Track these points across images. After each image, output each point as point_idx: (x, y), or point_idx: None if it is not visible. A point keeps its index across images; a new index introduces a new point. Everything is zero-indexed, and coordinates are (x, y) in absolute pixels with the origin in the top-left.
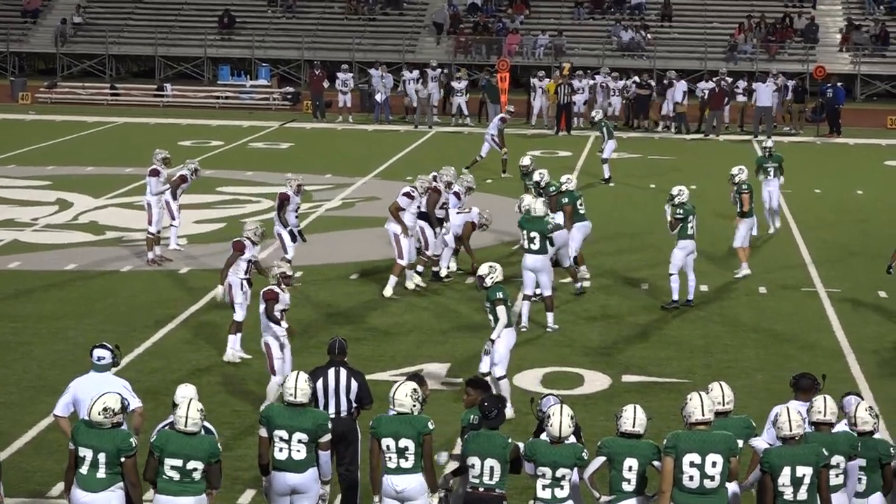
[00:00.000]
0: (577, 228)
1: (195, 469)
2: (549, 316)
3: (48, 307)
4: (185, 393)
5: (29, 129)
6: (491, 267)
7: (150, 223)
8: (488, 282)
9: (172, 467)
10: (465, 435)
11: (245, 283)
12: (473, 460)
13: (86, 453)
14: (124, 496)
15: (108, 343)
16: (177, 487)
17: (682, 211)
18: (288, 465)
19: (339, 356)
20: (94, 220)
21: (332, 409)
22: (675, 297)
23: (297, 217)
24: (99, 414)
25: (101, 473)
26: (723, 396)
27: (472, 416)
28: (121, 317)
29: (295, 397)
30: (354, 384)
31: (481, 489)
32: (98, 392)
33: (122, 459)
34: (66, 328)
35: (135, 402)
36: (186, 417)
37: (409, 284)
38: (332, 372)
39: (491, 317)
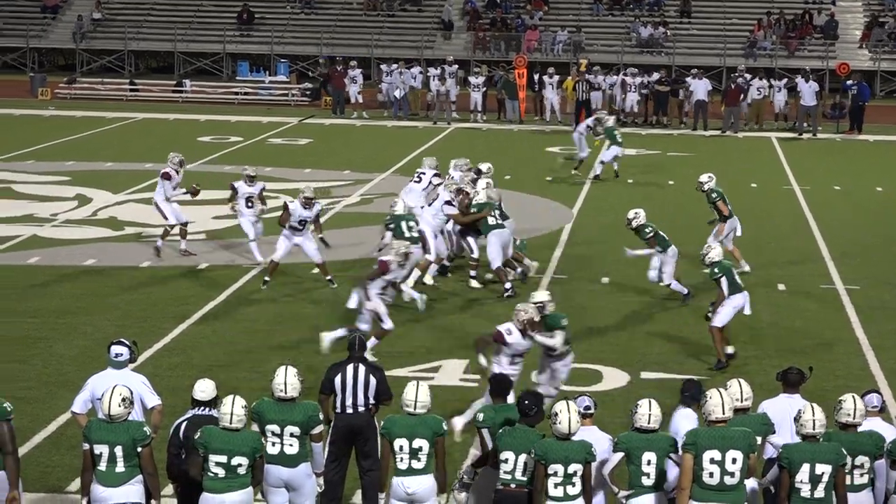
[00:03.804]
0: (493, 234)
1: (240, 465)
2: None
3: (67, 302)
4: (205, 388)
5: (48, 124)
6: (550, 294)
7: (165, 218)
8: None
9: (217, 464)
10: (500, 430)
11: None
12: (507, 455)
13: (102, 449)
14: (143, 488)
15: (126, 339)
16: (222, 484)
17: (649, 230)
18: (280, 459)
19: (359, 352)
20: (114, 216)
21: (349, 404)
22: (684, 290)
23: (301, 227)
24: (119, 406)
25: (121, 467)
26: (741, 393)
27: (491, 413)
28: (139, 312)
29: (285, 393)
30: (373, 380)
31: (513, 486)
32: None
33: (139, 450)
34: (85, 324)
35: (154, 400)
36: (231, 414)
37: (427, 279)
38: (350, 367)
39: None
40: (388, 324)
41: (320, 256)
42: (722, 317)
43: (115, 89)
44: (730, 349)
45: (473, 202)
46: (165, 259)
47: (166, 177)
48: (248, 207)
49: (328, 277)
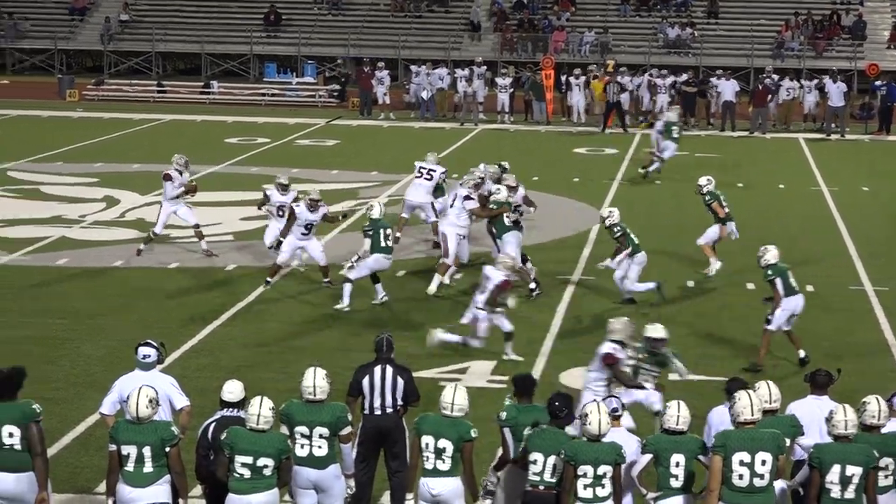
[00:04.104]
0: (510, 235)
1: (266, 466)
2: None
3: (95, 303)
4: (233, 389)
5: (76, 126)
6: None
7: (155, 223)
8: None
9: (243, 464)
10: (528, 431)
11: None
12: (536, 456)
13: (129, 450)
14: (171, 488)
15: (154, 340)
16: (247, 485)
17: (618, 228)
18: (309, 461)
19: (387, 353)
20: (141, 217)
21: (377, 406)
22: (651, 285)
23: (308, 231)
24: (146, 407)
25: (149, 467)
26: (770, 395)
27: (514, 413)
28: (167, 313)
29: (314, 395)
30: (401, 381)
31: (542, 487)
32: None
33: (167, 449)
34: (113, 325)
35: (182, 401)
36: (259, 416)
37: (446, 279)
38: (378, 369)
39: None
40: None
41: (325, 259)
42: (776, 321)
43: (143, 91)
44: (801, 353)
45: (492, 199)
46: (192, 261)
47: (167, 178)
48: (279, 216)
49: (326, 279)
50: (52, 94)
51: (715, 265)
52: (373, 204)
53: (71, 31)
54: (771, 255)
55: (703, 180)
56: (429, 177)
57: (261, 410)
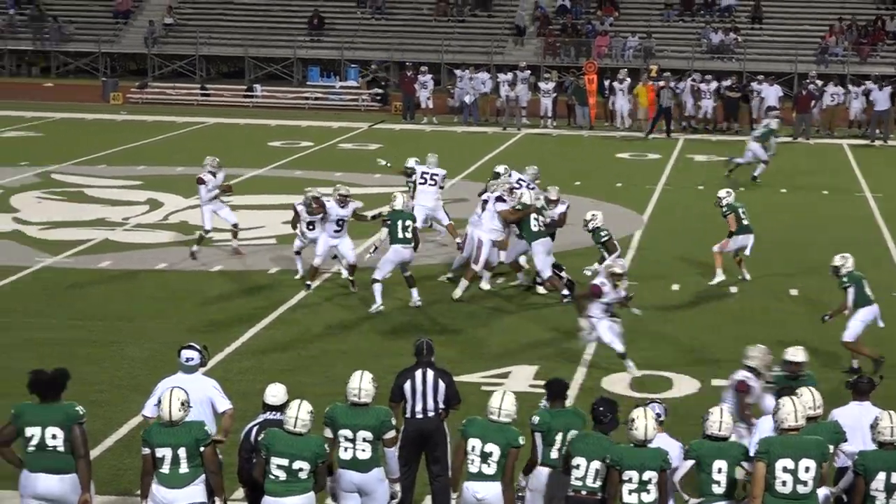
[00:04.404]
0: (538, 244)
1: (301, 469)
2: (414, 292)
3: (138, 306)
4: (276, 392)
5: (120, 129)
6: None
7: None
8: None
9: (279, 466)
10: (572, 436)
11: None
12: (579, 461)
13: (164, 452)
14: (206, 488)
15: (197, 343)
16: (283, 487)
17: (605, 233)
18: (352, 464)
19: (427, 356)
20: (184, 220)
21: (419, 409)
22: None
23: (340, 227)
24: (179, 410)
25: (184, 468)
26: (813, 401)
27: (546, 417)
28: (210, 316)
29: (359, 398)
30: (442, 384)
31: (584, 492)
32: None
33: (202, 449)
34: (156, 327)
35: (225, 404)
36: (296, 419)
37: (485, 285)
38: (419, 373)
39: None
40: (617, 347)
41: (354, 258)
42: (851, 331)
43: (186, 94)
44: (855, 363)
45: (517, 203)
46: (235, 265)
47: (200, 182)
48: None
49: (351, 278)
50: (96, 97)
51: (719, 277)
52: (396, 194)
53: (115, 35)
54: (850, 262)
55: (722, 192)
56: (433, 182)
57: (298, 413)
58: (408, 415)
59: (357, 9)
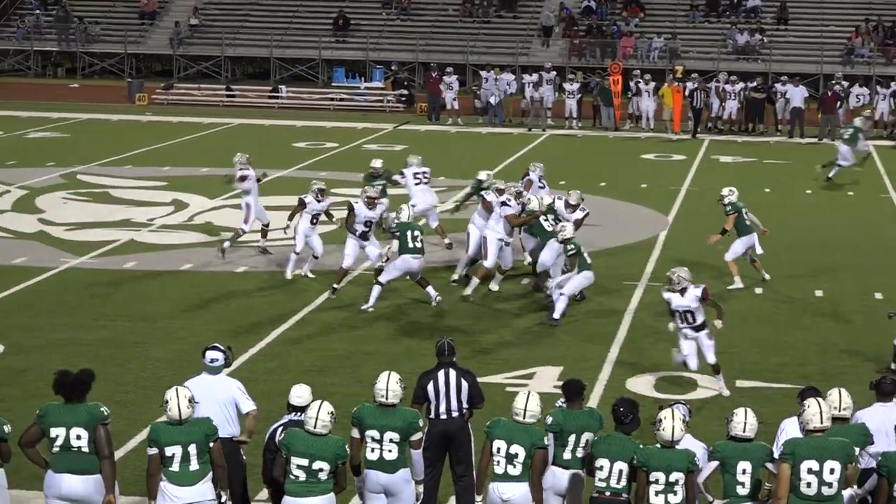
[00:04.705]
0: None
1: (321, 469)
2: (430, 290)
3: (163, 307)
4: (301, 393)
5: (146, 129)
6: None
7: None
8: None
9: (298, 466)
10: (598, 439)
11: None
12: (602, 462)
13: (174, 451)
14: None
15: (221, 344)
16: (303, 488)
17: (572, 246)
18: (379, 464)
19: (448, 357)
20: (209, 221)
21: (443, 410)
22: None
23: (368, 228)
24: (187, 407)
25: (195, 465)
26: (840, 402)
27: (560, 418)
28: (235, 317)
29: (387, 398)
30: (465, 384)
31: (608, 493)
32: (204, 394)
33: (210, 444)
34: (181, 328)
35: (249, 405)
36: (316, 419)
37: (494, 286)
38: (441, 373)
39: None
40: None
41: (381, 260)
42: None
43: (212, 95)
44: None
45: (527, 209)
46: (261, 265)
47: (243, 179)
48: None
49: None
50: (121, 98)
51: (737, 283)
52: (402, 207)
53: (141, 36)
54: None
55: (725, 190)
56: (426, 180)
57: (319, 414)
58: (432, 416)
59: (382, 10)
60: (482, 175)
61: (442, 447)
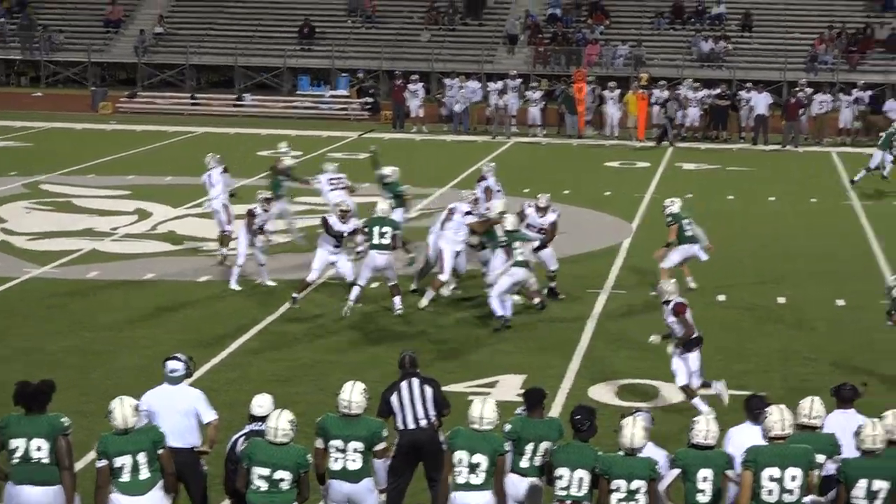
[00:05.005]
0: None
1: (283, 479)
2: (396, 300)
3: (125, 316)
4: (262, 402)
5: (109, 138)
6: None
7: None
8: None
9: (260, 476)
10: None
11: None
12: (562, 471)
13: (123, 461)
14: (164, 493)
15: (182, 354)
16: (265, 498)
17: (504, 238)
18: (343, 474)
19: (411, 368)
20: (173, 230)
21: (410, 420)
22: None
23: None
24: (133, 416)
25: (145, 473)
26: (811, 410)
27: (518, 426)
28: (197, 327)
29: (350, 409)
30: (429, 391)
31: (569, 502)
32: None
33: (159, 452)
34: (144, 337)
35: (210, 415)
36: (276, 429)
37: (444, 291)
38: (404, 384)
39: None
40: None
41: (353, 275)
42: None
43: (176, 103)
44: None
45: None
46: (224, 274)
47: (212, 183)
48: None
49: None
50: (85, 107)
51: (690, 283)
52: (380, 200)
53: (105, 44)
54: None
55: (666, 201)
56: (342, 185)
57: (279, 423)
58: (400, 426)
59: (348, 18)
60: (386, 170)
61: (411, 457)
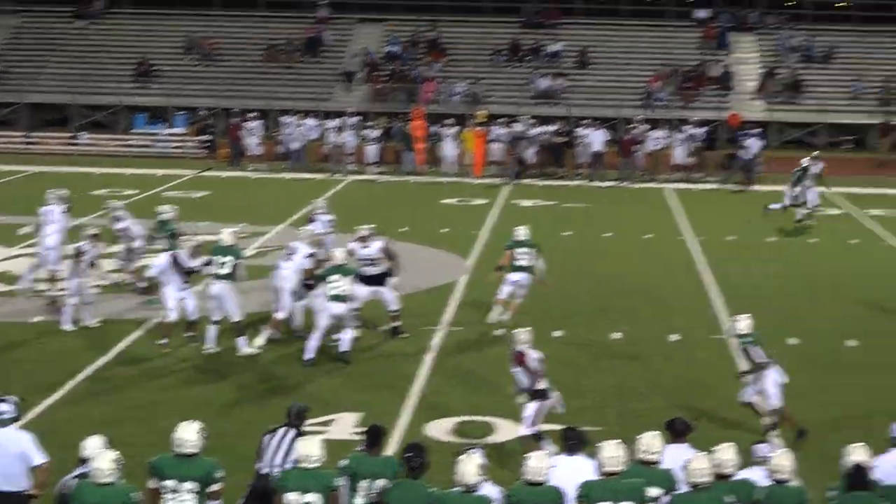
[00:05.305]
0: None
1: None
2: (241, 340)
3: None
4: (94, 445)
5: None
6: None
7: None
8: None
9: None
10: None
11: None
12: None
13: None
14: None
15: (11, 396)
16: None
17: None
18: None
19: (295, 420)
20: (7, 270)
21: (265, 465)
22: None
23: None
24: None
25: None
26: (650, 446)
27: (355, 462)
28: (29, 368)
29: (184, 448)
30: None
31: None
32: None
33: None
34: None
35: (40, 458)
36: (100, 469)
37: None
38: (281, 431)
39: None
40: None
41: (197, 314)
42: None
43: (9, 142)
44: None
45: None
46: (55, 314)
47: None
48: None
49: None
50: None
51: (496, 313)
52: (223, 230)
53: None
54: (744, 324)
55: (518, 227)
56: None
57: (101, 464)
58: (258, 469)
59: (185, 55)
60: (167, 215)
61: (258, 501)
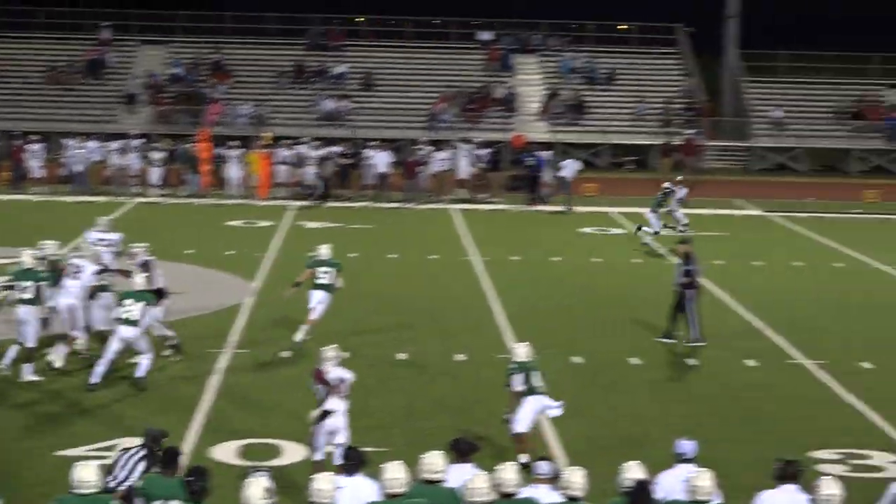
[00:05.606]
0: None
1: None
2: (26, 367)
3: None
4: None
5: None
6: None
7: None
8: None
9: None
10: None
11: None
12: None
13: None
14: None
15: None
16: None
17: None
18: None
19: (150, 442)
20: None
21: (110, 478)
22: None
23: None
24: None
25: None
26: (433, 465)
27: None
28: None
29: (80, 489)
30: (140, 466)
31: None
32: None
33: None
34: None
35: None
36: None
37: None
38: (134, 449)
39: None
40: None
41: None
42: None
43: None
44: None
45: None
46: None
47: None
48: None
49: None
50: None
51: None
52: (24, 253)
53: None
54: (521, 352)
55: (320, 246)
56: None
57: None
58: (107, 482)
59: None
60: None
61: None
